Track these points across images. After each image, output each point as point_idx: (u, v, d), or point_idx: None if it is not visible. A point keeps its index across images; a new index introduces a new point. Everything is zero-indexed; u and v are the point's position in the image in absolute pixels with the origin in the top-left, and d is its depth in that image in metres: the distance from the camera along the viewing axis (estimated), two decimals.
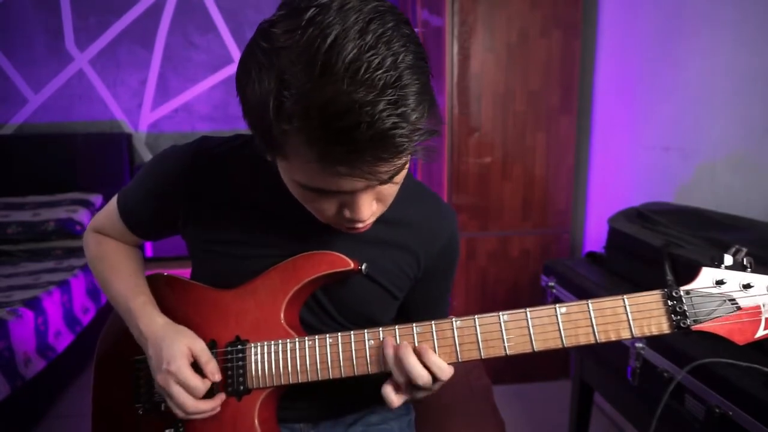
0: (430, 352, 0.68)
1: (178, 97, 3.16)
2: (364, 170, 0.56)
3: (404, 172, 0.65)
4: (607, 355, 1.38)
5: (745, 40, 1.47)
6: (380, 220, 0.73)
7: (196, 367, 0.76)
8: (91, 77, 3.08)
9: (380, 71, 0.52)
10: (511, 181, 2.23)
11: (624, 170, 2.08)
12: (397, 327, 0.72)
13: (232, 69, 3.14)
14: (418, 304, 0.91)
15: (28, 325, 1.93)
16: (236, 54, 3.12)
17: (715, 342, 1.09)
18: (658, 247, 1.25)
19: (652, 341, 1.18)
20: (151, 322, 0.80)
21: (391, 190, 0.67)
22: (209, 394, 0.77)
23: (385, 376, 0.72)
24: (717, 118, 1.58)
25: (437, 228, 0.86)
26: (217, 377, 0.76)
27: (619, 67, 2.10)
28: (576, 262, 1.64)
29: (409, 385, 0.69)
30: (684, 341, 1.11)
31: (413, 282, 0.87)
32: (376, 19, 0.54)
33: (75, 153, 3.01)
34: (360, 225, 0.67)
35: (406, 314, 0.92)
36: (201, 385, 0.74)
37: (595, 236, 2.30)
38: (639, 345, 1.19)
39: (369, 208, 0.65)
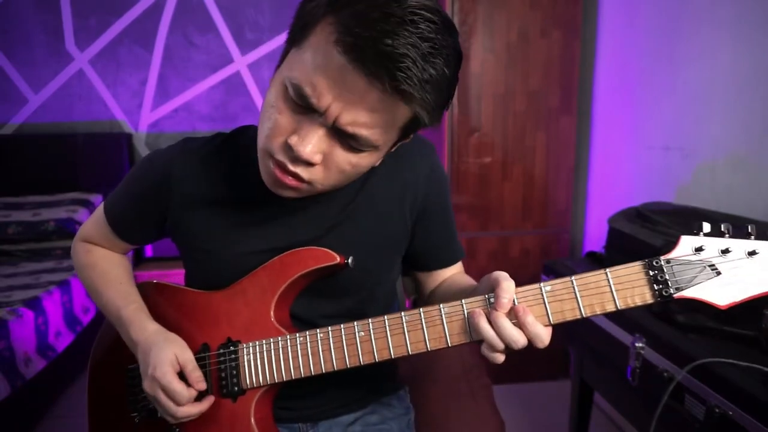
0: (528, 313, 0.65)
1: (178, 97, 3.15)
2: (363, 72, 0.57)
3: (363, 161, 0.66)
4: (607, 355, 1.38)
5: (745, 39, 1.47)
6: (368, 191, 0.80)
7: (183, 375, 0.77)
8: (91, 77, 3.08)
9: (431, 33, 0.57)
10: (511, 181, 2.23)
11: (624, 170, 2.08)
12: (387, 317, 0.70)
13: (232, 69, 3.13)
14: (426, 249, 0.91)
15: (28, 324, 1.93)
16: (236, 54, 3.12)
17: (715, 342, 1.10)
18: (658, 247, 1.25)
19: (652, 340, 1.18)
20: (143, 328, 0.81)
21: (339, 159, 0.65)
22: (198, 398, 0.77)
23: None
24: (717, 118, 1.58)
25: (417, 165, 0.85)
26: (202, 386, 0.77)
27: (619, 67, 2.10)
28: (576, 262, 1.64)
29: (506, 348, 0.66)
30: (684, 341, 1.11)
31: (411, 233, 0.88)
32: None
33: (75, 153, 3.01)
34: (291, 167, 0.65)
35: (414, 264, 0.94)
36: (185, 392, 0.74)
37: (595, 236, 2.30)
38: (639, 345, 1.19)
39: (313, 147, 0.63)
